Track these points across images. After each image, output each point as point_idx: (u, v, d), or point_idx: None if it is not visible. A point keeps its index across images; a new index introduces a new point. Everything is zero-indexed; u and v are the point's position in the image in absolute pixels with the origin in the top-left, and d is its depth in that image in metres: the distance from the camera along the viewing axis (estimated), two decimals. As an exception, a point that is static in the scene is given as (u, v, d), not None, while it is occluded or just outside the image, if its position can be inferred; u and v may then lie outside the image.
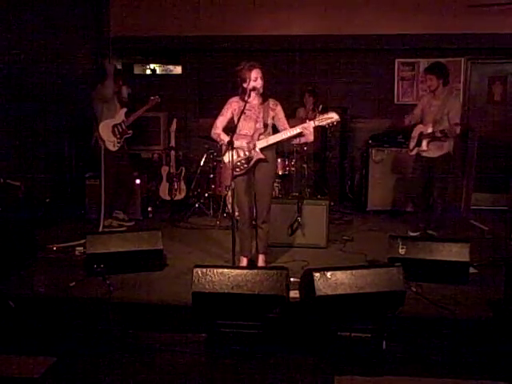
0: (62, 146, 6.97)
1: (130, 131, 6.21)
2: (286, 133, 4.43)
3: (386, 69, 7.79)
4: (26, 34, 6.27)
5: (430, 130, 5.52)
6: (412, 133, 5.79)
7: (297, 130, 4.37)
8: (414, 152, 5.73)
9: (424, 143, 5.56)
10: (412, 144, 5.75)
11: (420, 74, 7.54)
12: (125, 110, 6.20)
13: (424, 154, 5.62)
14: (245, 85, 4.38)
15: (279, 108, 4.52)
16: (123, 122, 6.14)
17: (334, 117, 4.29)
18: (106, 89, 6.00)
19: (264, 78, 4.39)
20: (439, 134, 5.43)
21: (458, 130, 5.38)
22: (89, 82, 7.19)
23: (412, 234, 5.71)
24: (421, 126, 5.68)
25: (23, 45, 6.22)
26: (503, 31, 7.19)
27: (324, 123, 4.33)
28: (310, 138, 4.44)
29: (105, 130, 6.03)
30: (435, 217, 5.75)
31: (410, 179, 6.07)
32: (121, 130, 6.12)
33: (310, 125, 4.33)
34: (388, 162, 6.98)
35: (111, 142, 6.05)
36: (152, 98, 6.28)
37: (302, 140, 4.56)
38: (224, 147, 4.42)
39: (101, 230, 5.77)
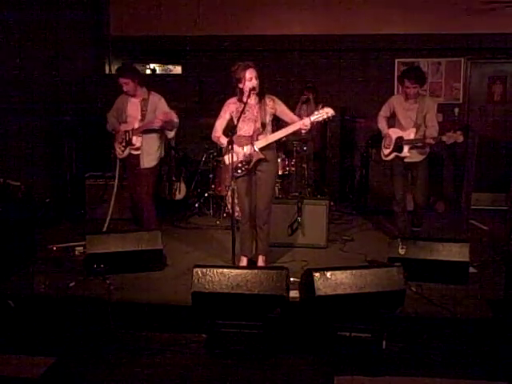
0: (62, 146, 6.97)
1: (136, 144, 5.28)
2: (284, 131, 4.43)
3: (386, 69, 7.79)
4: (27, 34, 6.27)
5: (412, 136, 5.24)
6: (384, 136, 5.54)
7: (295, 127, 4.37)
8: (390, 157, 5.47)
9: (406, 149, 5.27)
10: (387, 149, 5.48)
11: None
12: (139, 118, 5.32)
13: (407, 160, 5.35)
14: (240, 85, 4.37)
15: (278, 102, 4.49)
16: (132, 130, 5.30)
17: (329, 112, 4.30)
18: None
19: (259, 77, 4.37)
20: (431, 141, 5.11)
21: (455, 136, 5.04)
22: (89, 82, 7.20)
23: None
24: (396, 130, 5.39)
25: (23, 45, 6.22)
26: (503, 31, 7.19)
27: (320, 119, 4.33)
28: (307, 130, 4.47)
29: (117, 135, 5.47)
30: (418, 216, 5.62)
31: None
32: (127, 138, 5.34)
33: (307, 121, 4.32)
34: (388, 161, 6.96)
35: (116, 150, 5.46)
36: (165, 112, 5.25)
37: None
38: (224, 149, 4.42)
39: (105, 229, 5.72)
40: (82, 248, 5.02)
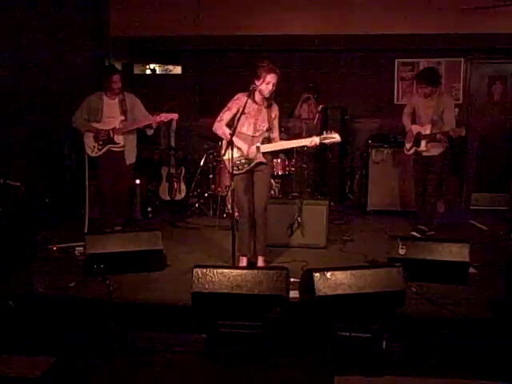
0: (62, 146, 6.96)
1: (120, 142, 5.54)
2: (292, 143, 4.66)
3: (386, 69, 7.79)
4: (26, 34, 6.27)
5: (428, 132, 5.59)
6: (407, 132, 5.86)
7: (303, 143, 4.55)
8: (411, 152, 5.81)
9: (423, 144, 5.63)
10: (409, 144, 5.81)
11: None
12: (121, 117, 5.54)
13: (424, 154, 5.68)
14: (257, 82, 4.40)
15: (277, 114, 4.63)
16: (114, 129, 5.51)
17: (336, 137, 4.43)
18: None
19: (277, 86, 4.43)
20: (441, 136, 5.47)
21: (459, 130, 5.40)
22: (89, 82, 7.17)
23: (414, 233, 5.73)
24: (417, 126, 5.74)
25: (23, 45, 6.21)
26: (503, 31, 7.20)
27: (327, 141, 4.47)
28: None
29: (88, 134, 5.60)
30: (427, 213, 5.81)
31: (410, 178, 6.12)
32: (107, 137, 5.53)
33: (315, 141, 4.42)
34: (388, 162, 6.98)
35: (90, 148, 5.58)
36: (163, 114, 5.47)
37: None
38: (225, 144, 4.44)
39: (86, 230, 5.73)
40: (81, 248, 5.02)
